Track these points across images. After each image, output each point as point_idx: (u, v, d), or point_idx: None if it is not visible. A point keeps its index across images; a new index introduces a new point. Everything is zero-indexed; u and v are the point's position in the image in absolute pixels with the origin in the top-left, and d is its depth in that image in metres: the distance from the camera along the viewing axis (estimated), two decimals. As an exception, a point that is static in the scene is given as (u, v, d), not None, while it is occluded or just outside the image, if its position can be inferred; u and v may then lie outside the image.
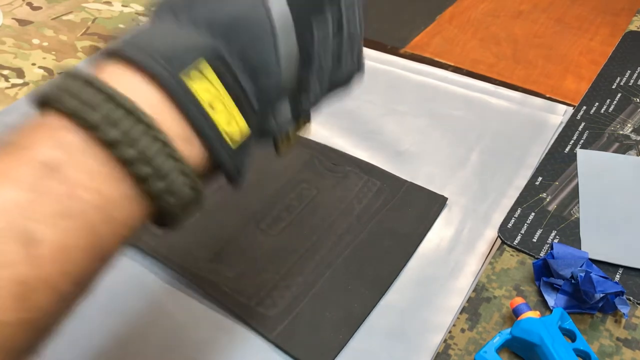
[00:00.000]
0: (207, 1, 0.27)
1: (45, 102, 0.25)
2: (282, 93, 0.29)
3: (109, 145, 0.24)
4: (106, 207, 0.24)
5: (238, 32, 0.26)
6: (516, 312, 0.47)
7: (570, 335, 0.47)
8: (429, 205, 0.60)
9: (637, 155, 0.63)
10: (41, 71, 0.78)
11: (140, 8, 0.92)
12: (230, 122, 0.26)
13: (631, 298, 0.50)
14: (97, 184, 0.24)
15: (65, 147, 0.23)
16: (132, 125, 0.24)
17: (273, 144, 0.31)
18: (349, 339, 0.49)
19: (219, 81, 0.26)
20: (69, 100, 0.24)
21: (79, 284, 0.25)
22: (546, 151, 0.65)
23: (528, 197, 0.59)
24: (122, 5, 0.92)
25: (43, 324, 0.23)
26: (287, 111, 0.29)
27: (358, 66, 0.33)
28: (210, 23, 0.26)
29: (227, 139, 0.27)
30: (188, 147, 0.26)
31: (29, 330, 0.22)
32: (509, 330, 0.46)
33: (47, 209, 0.22)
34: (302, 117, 0.31)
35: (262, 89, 0.27)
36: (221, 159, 0.28)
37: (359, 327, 0.50)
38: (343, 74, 0.33)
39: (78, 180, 0.23)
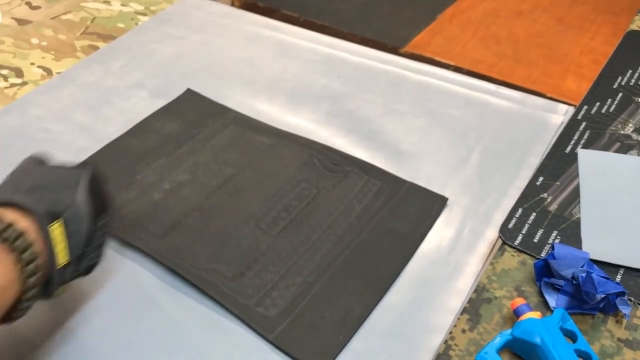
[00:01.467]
0: (47, 191, 0.45)
1: None
2: (77, 252, 0.46)
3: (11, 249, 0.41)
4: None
5: (69, 210, 0.45)
6: (517, 313, 0.47)
7: (572, 336, 0.47)
8: (430, 205, 0.59)
9: (639, 155, 0.63)
10: (40, 70, 0.78)
11: (139, 7, 0.91)
12: (62, 254, 0.44)
13: (632, 298, 0.50)
14: None
15: None
16: (26, 246, 0.41)
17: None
18: (349, 339, 0.49)
19: (64, 235, 0.44)
20: None
21: None
22: (547, 151, 0.65)
23: (529, 197, 0.59)
24: (121, 5, 0.92)
25: None
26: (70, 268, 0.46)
27: (99, 258, 0.50)
28: (54, 203, 0.44)
29: (58, 263, 0.44)
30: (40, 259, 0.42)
31: None
32: (509, 331, 0.46)
33: None
34: (68, 280, 0.47)
35: (73, 244, 0.45)
36: (52, 272, 0.43)
37: (359, 327, 0.50)
38: (95, 260, 0.49)
39: None
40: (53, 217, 0.43)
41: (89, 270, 0.49)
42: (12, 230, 0.40)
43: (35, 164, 0.49)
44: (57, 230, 0.43)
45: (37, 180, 0.46)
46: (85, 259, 0.47)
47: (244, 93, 0.75)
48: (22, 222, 0.41)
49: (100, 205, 0.48)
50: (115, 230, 0.57)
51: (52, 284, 0.43)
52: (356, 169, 0.63)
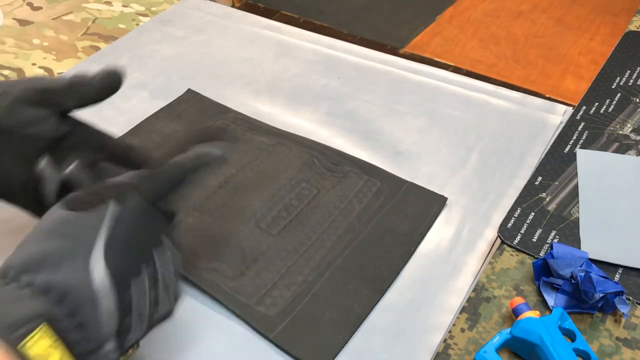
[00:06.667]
0: (43, 269, 0.35)
1: None
2: (106, 338, 0.36)
3: None
4: None
5: (68, 297, 0.35)
6: (516, 312, 0.47)
7: (570, 335, 0.47)
8: (429, 205, 0.60)
9: (637, 155, 0.63)
10: (41, 71, 0.78)
11: (140, 8, 0.92)
12: None
13: (631, 298, 0.50)
14: None
15: None
16: None
17: None
18: (349, 339, 0.49)
19: (55, 336, 0.34)
20: None
21: None
22: (546, 151, 0.65)
23: (528, 197, 0.59)
24: (123, 5, 0.92)
25: None
26: (111, 348, 0.37)
27: (175, 301, 0.42)
28: (46, 289, 0.35)
29: None
30: None
31: None
32: (508, 330, 0.46)
33: None
34: (128, 348, 0.39)
35: (88, 337, 0.36)
36: None
37: (359, 327, 0.50)
38: (161, 314, 0.41)
39: None
40: (33, 323, 0.33)
41: (157, 323, 0.41)
42: None
43: (60, 205, 0.40)
44: (39, 343, 0.33)
45: (34, 250, 0.37)
46: (133, 329, 0.38)
47: (244, 93, 0.75)
48: None
49: (141, 254, 0.39)
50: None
51: None
52: (356, 169, 0.63)
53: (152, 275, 0.39)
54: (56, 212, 0.39)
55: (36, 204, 0.48)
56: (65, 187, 0.48)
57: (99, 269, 0.36)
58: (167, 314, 0.41)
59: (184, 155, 0.43)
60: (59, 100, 0.48)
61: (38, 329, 0.33)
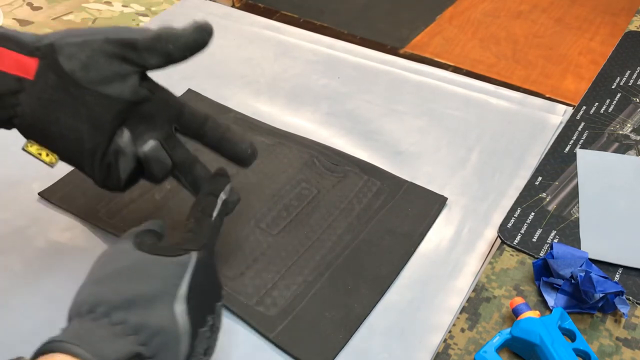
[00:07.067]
0: (134, 309, 0.36)
1: None
2: None
3: None
4: None
5: (156, 338, 0.36)
6: (516, 312, 0.47)
7: (570, 335, 0.47)
8: (429, 205, 0.60)
9: (637, 155, 0.63)
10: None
11: (140, 8, 0.92)
12: None
13: (631, 298, 0.50)
14: None
15: None
16: None
17: None
18: (349, 339, 0.49)
19: None
20: None
21: None
22: (546, 151, 0.65)
23: (528, 197, 0.59)
24: (123, 5, 0.92)
25: None
26: None
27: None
28: (137, 330, 0.35)
29: None
30: None
31: None
32: (508, 330, 0.46)
33: None
34: None
35: None
36: None
37: (359, 327, 0.50)
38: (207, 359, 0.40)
39: None
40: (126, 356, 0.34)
41: None
42: None
43: (132, 246, 0.40)
44: None
45: (122, 288, 0.37)
46: None
47: (244, 93, 0.75)
48: None
49: (207, 305, 0.40)
50: (116, 230, 0.57)
51: None
52: (356, 169, 0.63)
53: (211, 326, 0.40)
54: (133, 252, 0.39)
55: (101, 173, 0.45)
56: (139, 164, 0.46)
57: (182, 315, 0.37)
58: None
59: (217, 209, 0.44)
60: (143, 56, 0.43)
61: None
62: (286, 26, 0.87)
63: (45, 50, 0.42)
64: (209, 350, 0.40)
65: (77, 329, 0.36)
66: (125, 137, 0.44)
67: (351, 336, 0.49)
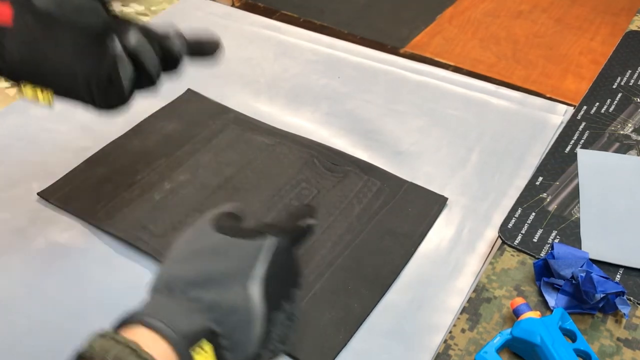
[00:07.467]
0: (209, 287, 0.37)
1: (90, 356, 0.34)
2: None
3: None
4: None
5: (230, 317, 0.36)
6: (517, 312, 0.47)
7: (571, 336, 0.47)
8: (429, 205, 0.60)
9: (638, 155, 0.63)
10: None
11: (140, 8, 0.91)
12: None
13: (632, 298, 0.50)
14: None
15: None
16: None
17: None
18: (349, 339, 0.49)
19: (213, 354, 0.35)
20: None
21: None
22: (546, 151, 0.65)
23: (528, 197, 0.59)
24: (122, 6, 0.92)
25: None
26: None
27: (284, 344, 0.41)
28: (211, 307, 0.36)
29: None
30: None
31: None
32: (509, 330, 0.46)
33: None
34: None
35: (236, 358, 0.37)
36: None
37: (359, 327, 0.50)
38: (281, 349, 0.41)
39: None
40: (201, 335, 0.35)
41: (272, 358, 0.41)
42: None
43: (211, 227, 0.41)
44: (204, 356, 0.35)
45: (199, 267, 0.39)
46: (263, 358, 0.39)
47: (244, 93, 0.75)
48: (157, 347, 0.34)
49: (284, 291, 0.40)
50: (116, 230, 0.57)
51: None
52: (356, 169, 0.63)
53: (287, 312, 0.40)
54: (213, 234, 0.41)
55: (100, 95, 0.48)
56: (136, 66, 0.48)
57: (256, 295, 0.37)
58: (280, 354, 0.41)
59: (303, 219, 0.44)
60: None
61: (205, 344, 0.35)
62: (286, 26, 0.87)
63: None
64: (285, 338, 0.40)
65: (154, 303, 0.37)
66: (117, 44, 0.47)
67: (351, 336, 0.49)
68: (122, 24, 0.49)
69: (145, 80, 0.50)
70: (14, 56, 0.46)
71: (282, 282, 0.40)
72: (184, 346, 0.34)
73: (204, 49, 0.52)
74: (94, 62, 0.47)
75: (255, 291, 0.38)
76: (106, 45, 0.47)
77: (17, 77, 0.48)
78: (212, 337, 0.36)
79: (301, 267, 0.43)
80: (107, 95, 0.48)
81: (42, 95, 0.48)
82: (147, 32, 0.49)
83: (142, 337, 0.34)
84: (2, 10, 0.45)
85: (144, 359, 0.33)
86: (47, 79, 0.47)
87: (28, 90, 0.48)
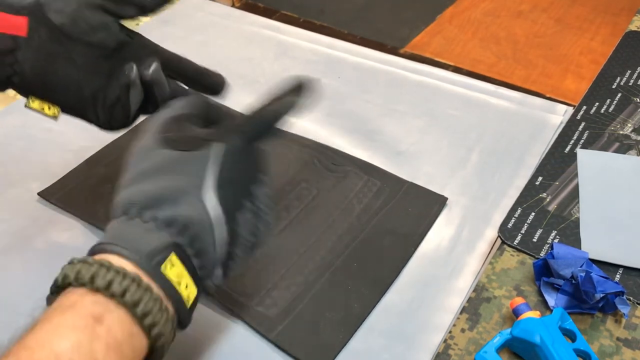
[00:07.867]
0: (162, 205, 0.38)
1: (68, 283, 0.36)
2: (217, 264, 0.40)
3: (132, 306, 0.35)
4: (129, 343, 0.35)
5: (190, 229, 0.38)
6: (516, 312, 0.47)
7: (571, 336, 0.47)
8: (429, 205, 0.60)
9: (638, 155, 0.63)
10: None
11: (140, 8, 0.92)
12: (189, 290, 0.38)
13: (631, 298, 0.50)
14: (125, 331, 0.35)
15: (103, 305, 0.34)
16: (149, 298, 0.35)
17: (208, 294, 0.44)
18: (349, 339, 0.49)
19: (182, 265, 0.38)
20: (98, 280, 0.35)
21: None
22: (546, 151, 0.65)
23: (528, 197, 0.59)
24: (122, 5, 0.92)
25: None
26: (219, 274, 0.41)
27: (265, 233, 0.44)
28: (168, 223, 0.38)
29: (186, 303, 0.38)
30: (167, 309, 0.37)
31: None
32: (509, 330, 0.46)
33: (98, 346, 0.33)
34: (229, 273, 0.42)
35: (204, 264, 0.39)
36: (181, 315, 0.38)
37: (359, 327, 0.50)
38: (256, 242, 0.43)
39: (113, 328, 0.34)
40: (165, 251, 0.37)
41: (252, 254, 0.43)
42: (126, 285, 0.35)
43: (155, 143, 0.42)
44: (172, 269, 0.37)
45: (148, 188, 0.39)
46: (236, 258, 0.41)
47: (244, 93, 0.75)
48: (128, 267, 0.36)
49: (244, 190, 0.42)
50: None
51: (185, 322, 0.39)
52: (356, 169, 0.63)
53: (252, 209, 0.42)
54: (157, 151, 0.41)
55: (105, 116, 0.49)
56: (146, 93, 0.49)
57: (212, 203, 0.39)
58: (260, 245, 0.44)
59: (278, 103, 0.45)
60: (120, 7, 0.48)
61: (171, 256, 0.37)
62: (286, 26, 0.87)
63: (31, 9, 0.46)
64: (257, 231, 0.42)
65: (114, 232, 0.39)
66: (134, 70, 0.48)
67: (351, 336, 0.49)
68: (141, 49, 0.50)
69: (150, 107, 0.50)
70: (25, 68, 0.46)
71: (240, 183, 0.42)
72: (151, 265, 0.36)
73: (211, 88, 0.55)
74: (102, 80, 0.48)
75: (210, 199, 0.39)
76: (118, 66, 0.48)
77: (26, 91, 0.48)
78: (176, 249, 0.37)
79: (264, 160, 0.44)
80: (111, 116, 0.49)
81: (48, 109, 0.49)
82: (166, 63, 0.50)
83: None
84: (18, 22, 0.46)
85: (118, 272, 0.35)
86: (55, 93, 0.48)
87: (35, 103, 0.48)
